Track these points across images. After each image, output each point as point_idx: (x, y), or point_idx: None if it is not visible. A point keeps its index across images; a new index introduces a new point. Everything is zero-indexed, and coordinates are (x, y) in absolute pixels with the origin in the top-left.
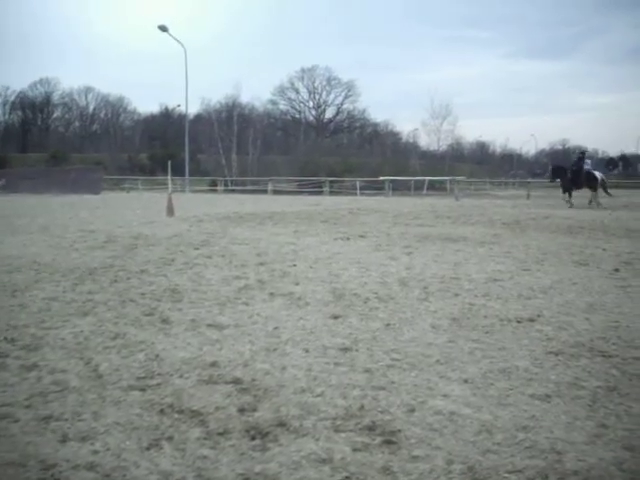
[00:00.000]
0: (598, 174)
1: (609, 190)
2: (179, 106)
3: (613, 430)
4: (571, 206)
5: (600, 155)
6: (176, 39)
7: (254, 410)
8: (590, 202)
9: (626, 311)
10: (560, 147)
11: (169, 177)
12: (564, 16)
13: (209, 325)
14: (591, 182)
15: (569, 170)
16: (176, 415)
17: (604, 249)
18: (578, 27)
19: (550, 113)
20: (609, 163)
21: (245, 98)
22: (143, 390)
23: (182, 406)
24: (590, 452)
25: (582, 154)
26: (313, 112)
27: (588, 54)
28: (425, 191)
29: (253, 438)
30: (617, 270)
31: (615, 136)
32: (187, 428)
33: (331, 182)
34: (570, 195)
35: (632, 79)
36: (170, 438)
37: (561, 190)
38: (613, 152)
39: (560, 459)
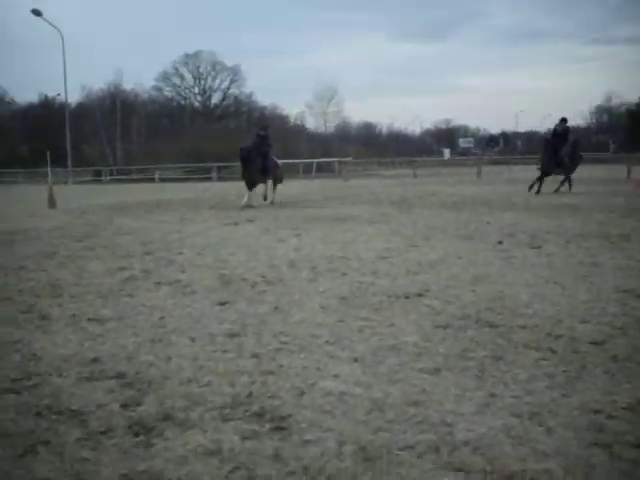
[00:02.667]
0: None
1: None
2: (59, 95)
3: (501, 398)
4: (538, 192)
5: (482, 133)
6: (51, 24)
7: (138, 405)
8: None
9: (510, 281)
10: (444, 127)
11: (49, 168)
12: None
13: (91, 319)
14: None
15: (551, 142)
16: (54, 417)
17: (488, 222)
18: (457, 10)
19: (433, 94)
20: (490, 140)
21: (128, 85)
22: (18, 393)
23: (61, 406)
24: (479, 421)
25: (564, 120)
26: (199, 98)
27: (466, 36)
28: (314, 173)
29: (137, 434)
30: (500, 242)
31: (495, 115)
32: (66, 430)
33: (219, 168)
34: (543, 179)
35: (508, 60)
36: (47, 442)
37: (538, 169)
38: (494, 130)
39: (451, 431)
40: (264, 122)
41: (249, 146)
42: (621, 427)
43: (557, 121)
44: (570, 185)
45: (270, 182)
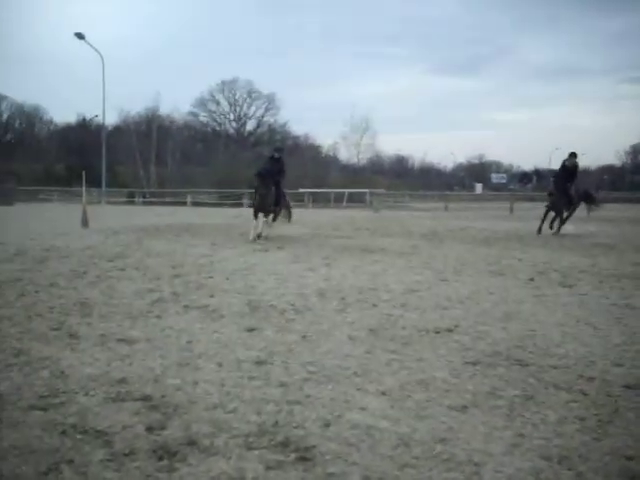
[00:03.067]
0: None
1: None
2: (97, 116)
3: (530, 439)
4: (540, 232)
5: (515, 170)
6: (93, 47)
7: (163, 428)
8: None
9: (541, 319)
10: (477, 161)
11: (83, 188)
12: (478, 35)
13: (119, 340)
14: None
15: (561, 178)
16: (79, 436)
17: (520, 259)
18: (491, 46)
19: (466, 129)
20: (523, 177)
21: (165, 109)
22: (45, 410)
23: (86, 426)
24: (508, 463)
25: (573, 155)
26: (234, 124)
27: (499, 72)
28: (345, 203)
29: (160, 458)
30: (532, 279)
31: (528, 151)
32: (90, 449)
33: (250, 195)
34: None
35: (542, 96)
36: (71, 461)
37: (547, 206)
38: (526, 167)
39: (478, 471)
40: (278, 144)
41: (266, 169)
42: None
43: (566, 155)
44: (561, 225)
45: (277, 211)
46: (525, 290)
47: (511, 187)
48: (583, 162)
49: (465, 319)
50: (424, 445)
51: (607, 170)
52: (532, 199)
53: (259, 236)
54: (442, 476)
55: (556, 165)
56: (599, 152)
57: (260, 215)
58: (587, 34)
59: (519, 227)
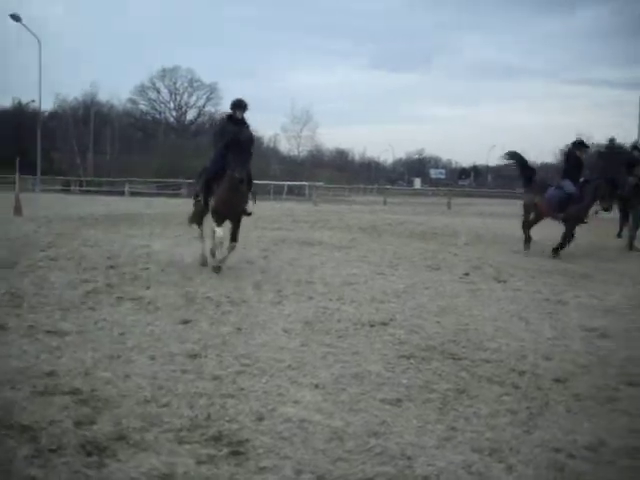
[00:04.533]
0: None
1: None
2: (33, 101)
3: (462, 433)
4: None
5: (453, 165)
6: (30, 30)
7: (92, 423)
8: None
9: (475, 314)
10: (416, 157)
11: (17, 175)
12: (417, 30)
13: (49, 332)
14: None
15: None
16: (3, 431)
17: (455, 254)
18: (429, 42)
19: (406, 123)
20: (462, 173)
21: (103, 96)
22: None
23: (11, 421)
24: (440, 456)
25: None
26: (174, 113)
27: (439, 68)
28: (284, 195)
29: (89, 454)
30: (467, 274)
31: (466, 148)
32: (15, 445)
33: (190, 185)
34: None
35: (478, 93)
36: None
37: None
38: (465, 163)
39: (410, 464)
40: (239, 98)
41: (239, 139)
42: (581, 467)
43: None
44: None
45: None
46: (460, 285)
47: (447, 182)
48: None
49: (401, 313)
50: (357, 439)
51: (543, 168)
52: (469, 195)
53: (216, 258)
54: (375, 470)
55: (493, 162)
56: (535, 150)
57: (224, 223)
58: (520, 34)
59: (456, 222)
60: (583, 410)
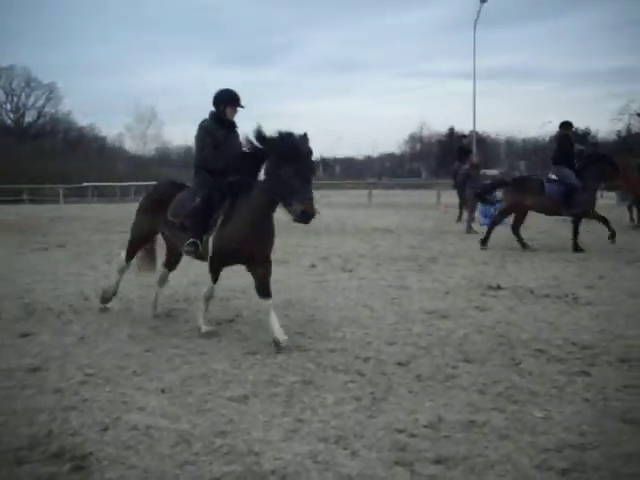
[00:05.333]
0: None
1: None
2: None
3: (308, 424)
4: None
5: None
6: None
7: None
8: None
9: (321, 304)
10: None
11: None
12: (269, 26)
13: None
14: None
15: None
16: None
17: (302, 245)
18: (281, 37)
19: (261, 119)
20: None
21: None
22: None
23: None
24: (286, 449)
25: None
26: (11, 115)
27: (291, 63)
28: (133, 196)
29: None
30: (314, 266)
31: (314, 141)
32: None
33: (31, 190)
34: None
35: (328, 88)
36: None
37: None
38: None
39: (258, 460)
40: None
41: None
42: (422, 445)
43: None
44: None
45: None
46: (307, 277)
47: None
48: (364, 152)
49: (247, 309)
50: (204, 440)
51: (388, 158)
52: (319, 187)
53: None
54: (222, 470)
55: (341, 154)
56: (380, 141)
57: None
58: (366, 30)
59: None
60: (424, 390)
